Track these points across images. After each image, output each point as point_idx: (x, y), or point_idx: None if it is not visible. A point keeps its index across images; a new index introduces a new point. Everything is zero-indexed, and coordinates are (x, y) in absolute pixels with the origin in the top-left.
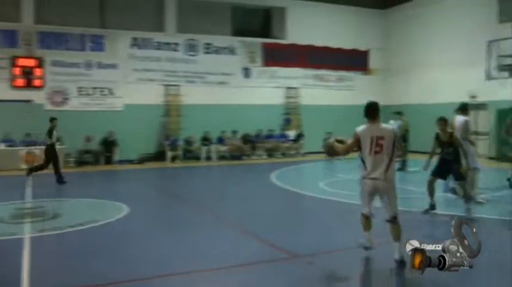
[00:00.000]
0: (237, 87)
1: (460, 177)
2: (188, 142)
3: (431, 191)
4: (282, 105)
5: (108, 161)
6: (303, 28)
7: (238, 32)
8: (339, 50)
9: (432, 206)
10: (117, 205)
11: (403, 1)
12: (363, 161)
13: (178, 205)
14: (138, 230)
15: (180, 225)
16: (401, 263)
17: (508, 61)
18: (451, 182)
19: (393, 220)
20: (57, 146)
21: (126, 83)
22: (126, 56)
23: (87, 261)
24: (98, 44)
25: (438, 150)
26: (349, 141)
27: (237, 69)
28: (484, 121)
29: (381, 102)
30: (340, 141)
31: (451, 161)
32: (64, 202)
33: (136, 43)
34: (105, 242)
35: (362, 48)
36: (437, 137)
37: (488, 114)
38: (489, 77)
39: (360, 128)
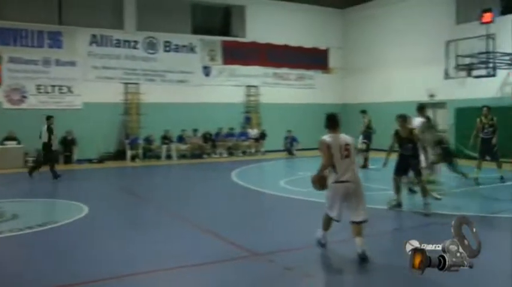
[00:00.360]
0: (197, 86)
1: (419, 173)
2: (148, 141)
3: (397, 189)
4: (242, 103)
5: (68, 160)
6: (263, 26)
7: (198, 30)
8: (299, 49)
9: (398, 204)
10: (76, 205)
11: (362, 1)
12: (333, 167)
13: (139, 204)
14: (99, 231)
15: (140, 224)
16: (363, 257)
17: (466, 61)
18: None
19: (361, 223)
20: (18, 146)
21: (85, 81)
22: (85, 53)
23: (47, 263)
24: (56, 41)
25: (397, 146)
26: (324, 159)
27: (197, 68)
28: (442, 119)
29: (340, 101)
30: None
31: (409, 156)
32: (22, 203)
33: (95, 40)
34: (65, 243)
35: (322, 47)
36: (396, 133)
37: (447, 113)
38: (447, 76)
39: (326, 137)
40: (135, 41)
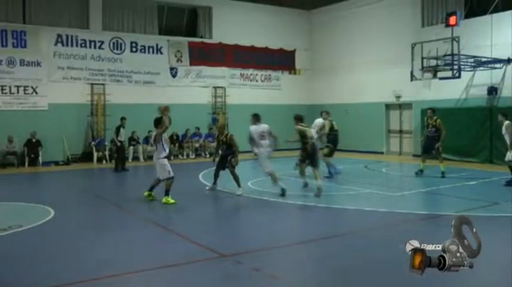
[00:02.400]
0: (164, 87)
1: (233, 167)
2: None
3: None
4: (209, 104)
5: (33, 163)
6: (230, 27)
7: (165, 31)
8: (266, 50)
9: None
10: (42, 208)
11: (328, 3)
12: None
13: (106, 206)
14: (65, 234)
15: (107, 227)
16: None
17: (432, 63)
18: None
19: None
20: None
21: (50, 82)
22: (50, 53)
23: (10, 269)
24: (20, 40)
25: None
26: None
27: (163, 69)
28: (408, 120)
29: (307, 101)
30: None
31: (225, 155)
32: None
33: (60, 40)
34: (30, 247)
35: (288, 48)
36: (217, 137)
37: (413, 114)
38: (413, 77)
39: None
40: (101, 41)
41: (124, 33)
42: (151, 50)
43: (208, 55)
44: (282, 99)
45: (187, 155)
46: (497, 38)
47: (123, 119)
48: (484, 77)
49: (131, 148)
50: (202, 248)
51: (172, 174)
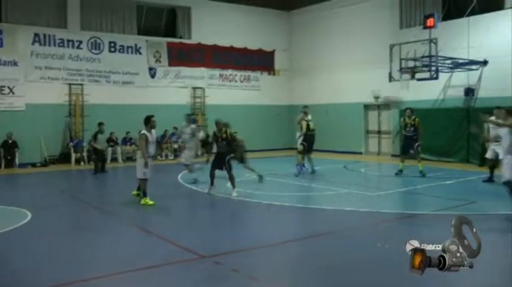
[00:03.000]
0: (143, 87)
1: (230, 167)
2: None
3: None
4: (188, 105)
5: (9, 164)
6: (209, 28)
7: (144, 31)
8: (245, 50)
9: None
10: (18, 211)
11: (307, 4)
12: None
13: (84, 208)
14: (43, 237)
15: (86, 229)
16: None
17: (410, 64)
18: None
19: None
20: None
21: (27, 82)
22: (27, 52)
23: None
24: None
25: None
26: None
27: (142, 69)
28: (386, 120)
29: (287, 102)
30: None
31: (224, 153)
32: None
33: (38, 39)
34: (7, 251)
35: (268, 48)
36: (214, 134)
37: (391, 114)
38: (392, 79)
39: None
40: (79, 41)
41: (102, 33)
42: (130, 50)
43: (187, 56)
44: (261, 99)
45: (166, 156)
46: (474, 40)
47: (100, 124)
48: (461, 79)
49: (110, 149)
50: (181, 249)
51: (147, 176)
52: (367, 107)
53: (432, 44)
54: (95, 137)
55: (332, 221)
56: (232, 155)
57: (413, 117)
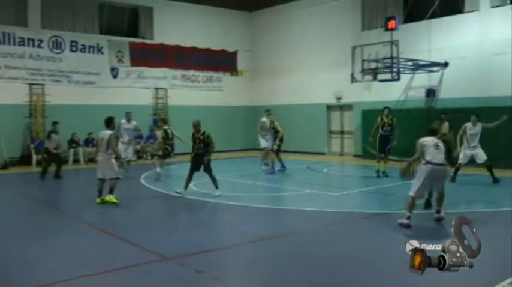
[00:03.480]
0: (105, 87)
1: (210, 168)
2: None
3: (187, 183)
4: (150, 106)
5: None
6: (171, 28)
7: (106, 30)
8: (207, 51)
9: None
10: None
11: (269, 4)
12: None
13: (45, 211)
14: (3, 241)
15: (48, 232)
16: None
17: (372, 65)
18: None
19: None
20: None
21: None
22: None
23: None
24: None
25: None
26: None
27: (104, 69)
28: (349, 121)
29: (250, 103)
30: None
31: (202, 154)
32: None
33: None
34: None
35: (230, 49)
36: (193, 135)
37: (353, 115)
38: (354, 80)
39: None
40: (40, 40)
41: (64, 32)
42: (91, 49)
43: (150, 56)
44: (223, 100)
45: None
46: (435, 42)
47: (54, 123)
48: (422, 80)
49: (71, 150)
50: (145, 251)
51: (119, 175)
52: (329, 107)
53: (394, 46)
54: (48, 136)
55: (295, 221)
56: (209, 156)
57: (390, 116)
